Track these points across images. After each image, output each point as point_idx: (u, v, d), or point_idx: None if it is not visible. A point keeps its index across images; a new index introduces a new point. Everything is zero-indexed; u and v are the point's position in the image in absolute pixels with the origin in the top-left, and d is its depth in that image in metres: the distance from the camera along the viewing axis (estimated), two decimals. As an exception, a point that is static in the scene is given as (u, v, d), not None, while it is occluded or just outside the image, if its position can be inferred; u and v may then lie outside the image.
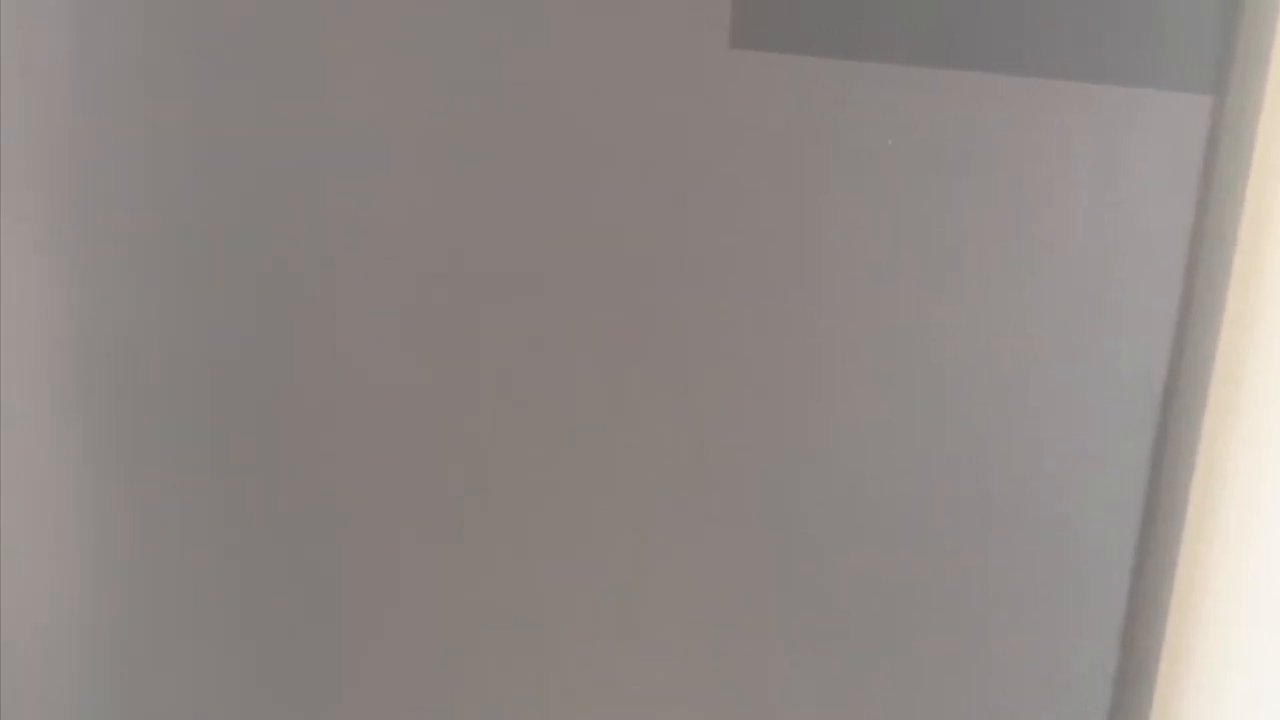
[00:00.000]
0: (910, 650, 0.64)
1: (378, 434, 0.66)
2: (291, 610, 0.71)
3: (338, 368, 0.66)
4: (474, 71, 0.59)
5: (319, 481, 0.68)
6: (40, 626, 0.74)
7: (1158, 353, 0.57)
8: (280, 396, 0.67)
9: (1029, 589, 0.62)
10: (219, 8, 0.60)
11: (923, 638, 0.64)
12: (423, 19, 0.58)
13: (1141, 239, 0.56)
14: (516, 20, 0.57)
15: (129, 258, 0.65)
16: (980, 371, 0.59)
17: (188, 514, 0.70)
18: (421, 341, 0.64)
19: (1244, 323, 0.58)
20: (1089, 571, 0.61)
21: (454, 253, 0.62)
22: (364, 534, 0.68)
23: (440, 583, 0.68)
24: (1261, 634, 0.62)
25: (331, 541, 0.69)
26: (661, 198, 0.59)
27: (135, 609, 0.73)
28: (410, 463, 0.66)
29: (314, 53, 0.60)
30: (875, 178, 0.57)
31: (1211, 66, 0.53)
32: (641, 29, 0.56)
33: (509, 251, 0.62)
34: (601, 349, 0.62)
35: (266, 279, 0.64)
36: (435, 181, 0.61)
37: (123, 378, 0.68)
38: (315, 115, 0.61)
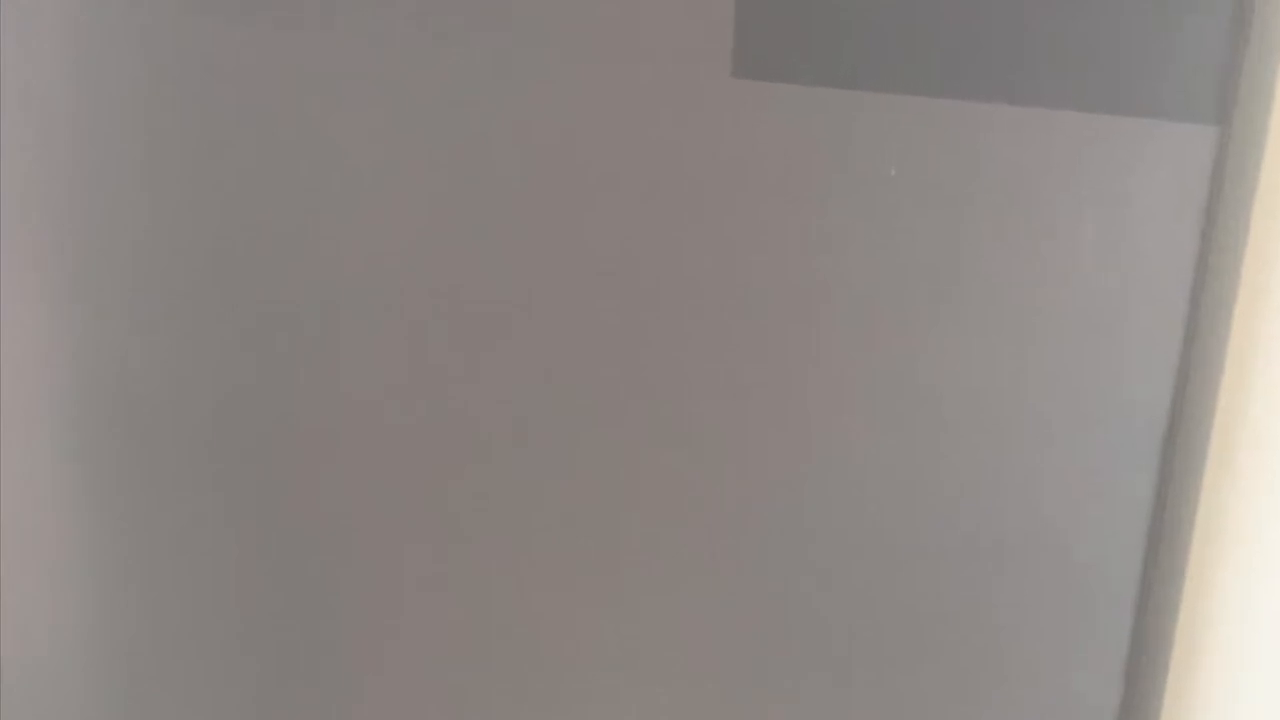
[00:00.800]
0: (913, 685, 0.64)
1: (379, 462, 0.66)
2: (294, 639, 0.70)
3: (339, 399, 0.65)
4: (477, 99, 0.58)
5: (320, 509, 0.67)
6: (41, 658, 0.74)
7: (1162, 383, 0.57)
8: (281, 426, 0.66)
9: (1032, 622, 0.61)
10: (221, 46, 0.59)
11: (925, 671, 0.63)
12: (427, 46, 0.58)
13: (1146, 269, 0.55)
14: (520, 49, 0.57)
15: (130, 288, 0.65)
16: (983, 402, 0.59)
17: (189, 540, 0.70)
18: (424, 371, 0.64)
19: (1248, 353, 0.58)
20: (1093, 605, 0.61)
21: (456, 281, 0.62)
22: (366, 561, 0.68)
23: (440, 610, 0.68)
24: (1267, 666, 0.61)
25: (333, 569, 0.68)
26: (663, 225, 0.59)
27: (136, 635, 0.72)
28: (412, 494, 0.66)
29: (317, 83, 0.59)
30: (877, 207, 0.57)
31: (1216, 97, 0.52)
32: (644, 58, 0.56)
33: (511, 279, 0.61)
34: (603, 376, 0.62)
35: (268, 307, 0.64)
36: (438, 209, 0.61)
37: (124, 404, 0.67)
38: (317, 146, 0.60)
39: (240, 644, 0.71)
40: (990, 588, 0.61)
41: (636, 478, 0.63)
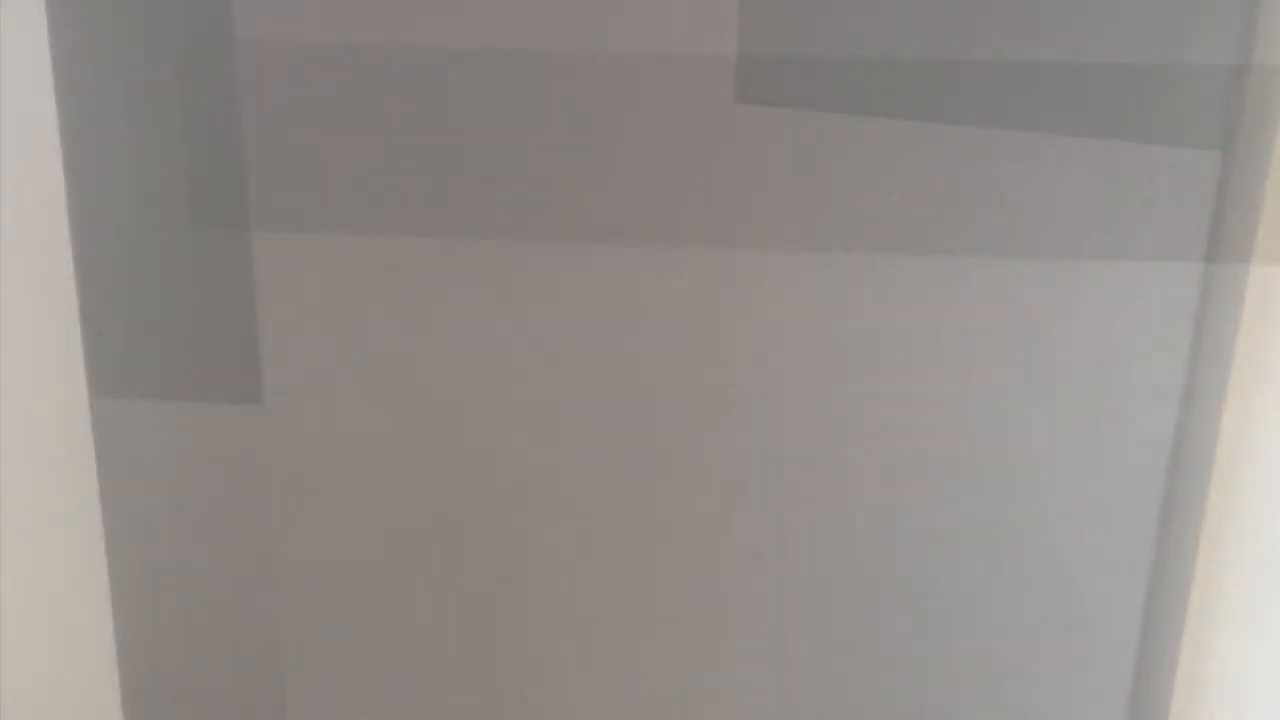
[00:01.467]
0: (918, 715, 0.63)
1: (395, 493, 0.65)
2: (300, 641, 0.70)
3: (339, 399, 0.65)
4: (482, 111, 0.58)
5: (323, 508, 0.67)
6: (39, 659, 0.73)
7: (1165, 414, 0.57)
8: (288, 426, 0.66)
9: (1038, 653, 0.61)
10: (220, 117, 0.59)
11: (932, 701, 0.63)
12: (437, 76, 0.58)
13: (1150, 293, 0.55)
14: (528, 66, 0.57)
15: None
16: (987, 436, 0.58)
17: (191, 541, 0.69)
18: (430, 382, 0.63)
19: (1251, 380, 0.58)
20: (1097, 635, 0.60)
21: (456, 287, 0.61)
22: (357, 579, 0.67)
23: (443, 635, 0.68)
24: (1267, 695, 0.61)
25: (337, 574, 0.68)
26: (667, 245, 0.59)
27: (137, 635, 0.72)
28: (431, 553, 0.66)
29: (322, 89, 0.59)
30: (879, 233, 0.56)
31: (1220, 123, 0.53)
32: (651, 84, 0.56)
33: (512, 289, 0.61)
34: (602, 390, 0.62)
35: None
36: (438, 215, 0.60)
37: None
38: (320, 151, 0.60)
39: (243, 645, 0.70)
40: (993, 620, 0.61)
41: (632, 513, 0.63)
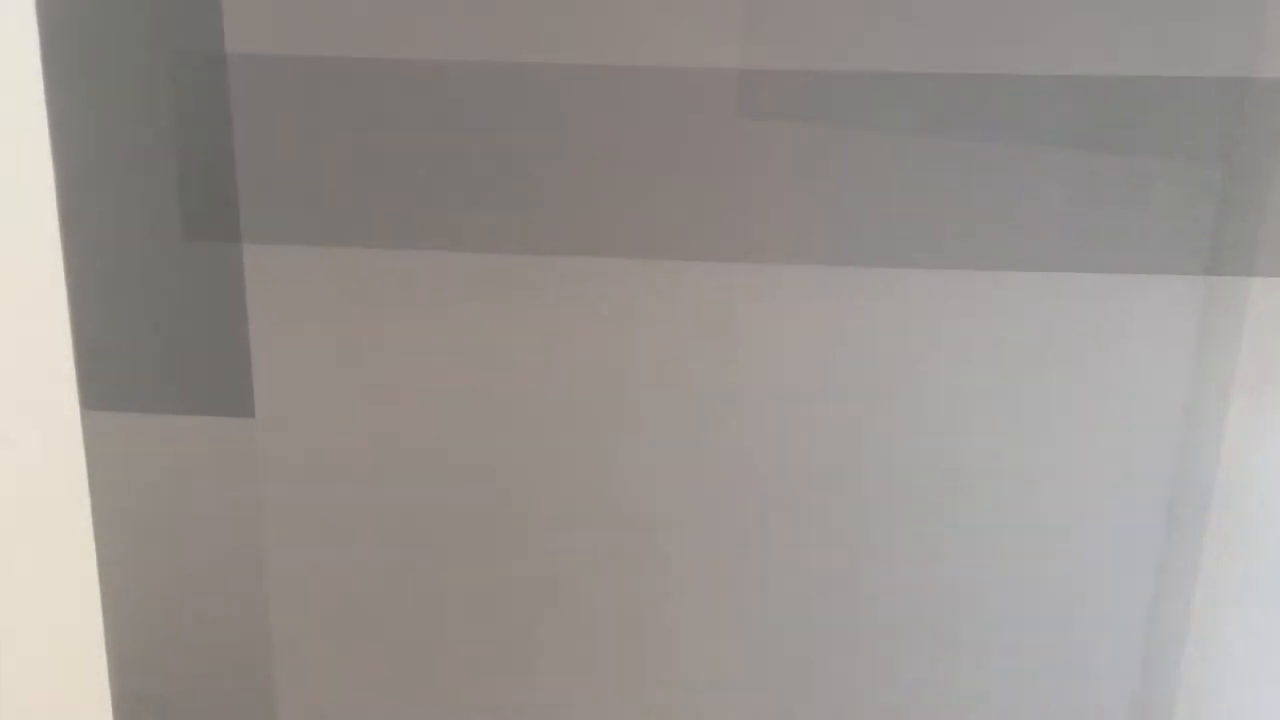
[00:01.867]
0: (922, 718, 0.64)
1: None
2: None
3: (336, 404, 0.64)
4: (483, 128, 0.58)
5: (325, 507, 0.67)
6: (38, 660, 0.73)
7: (1169, 426, 0.57)
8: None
9: (1043, 659, 0.61)
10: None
11: (937, 704, 0.63)
12: (432, 88, 0.57)
13: (1152, 306, 0.55)
14: (534, 76, 0.57)
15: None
16: (991, 449, 0.58)
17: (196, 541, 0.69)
18: (441, 394, 0.63)
19: (1253, 392, 0.58)
20: (1102, 644, 0.61)
21: (457, 302, 0.61)
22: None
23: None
24: (1270, 700, 0.61)
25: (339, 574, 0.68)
26: (668, 255, 0.59)
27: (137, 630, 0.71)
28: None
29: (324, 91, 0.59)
30: (880, 246, 0.56)
31: (1222, 136, 0.52)
32: (653, 96, 0.56)
33: (510, 318, 0.61)
34: (603, 423, 0.61)
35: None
36: (437, 251, 0.60)
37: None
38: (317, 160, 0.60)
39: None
40: (999, 626, 0.61)
41: (653, 536, 0.63)
